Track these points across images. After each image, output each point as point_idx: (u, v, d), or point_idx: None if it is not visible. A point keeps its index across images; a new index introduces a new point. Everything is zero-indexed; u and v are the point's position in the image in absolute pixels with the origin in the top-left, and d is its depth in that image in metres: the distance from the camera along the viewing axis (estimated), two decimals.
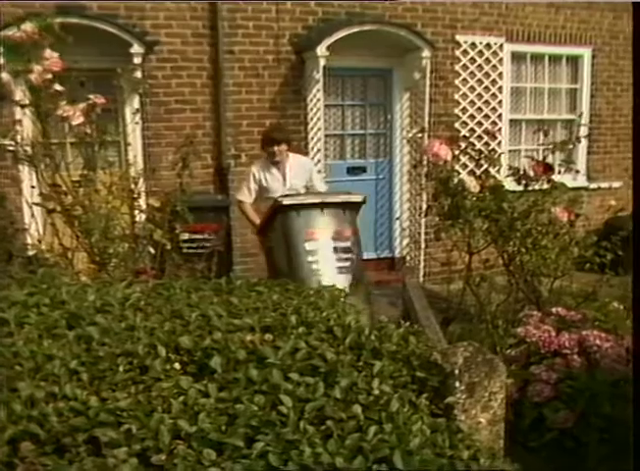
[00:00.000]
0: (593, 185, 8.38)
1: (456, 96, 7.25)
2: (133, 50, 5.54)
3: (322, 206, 4.60)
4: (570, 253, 5.95)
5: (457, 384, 1.21)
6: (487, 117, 7.46)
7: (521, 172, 4.81)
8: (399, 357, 1.28)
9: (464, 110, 7.30)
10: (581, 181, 8.35)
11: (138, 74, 5.59)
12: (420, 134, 6.45)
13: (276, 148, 4.98)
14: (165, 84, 6.03)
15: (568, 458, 3.22)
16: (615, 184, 8.31)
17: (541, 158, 6.07)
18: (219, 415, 1.09)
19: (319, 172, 5.95)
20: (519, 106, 8.01)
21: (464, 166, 5.43)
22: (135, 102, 5.79)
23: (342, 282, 4.17)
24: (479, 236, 4.98)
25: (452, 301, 5.56)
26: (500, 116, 7.60)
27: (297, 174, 5.15)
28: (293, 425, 1.07)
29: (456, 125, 7.22)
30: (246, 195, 5.07)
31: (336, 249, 4.59)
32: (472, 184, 4.70)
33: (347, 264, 4.62)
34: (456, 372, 1.21)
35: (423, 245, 7.08)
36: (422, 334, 1.46)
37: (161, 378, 1.21)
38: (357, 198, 4.91)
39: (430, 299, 5.45)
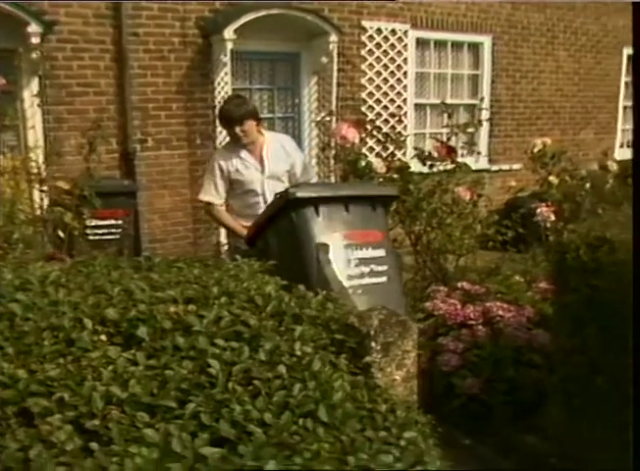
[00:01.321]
0: (494, 167, 8.76)
1: (363, 81, 7.40)
2: (30, 29, 5.26)
3: (347, 201, 3.46)
4: (474, 231, 6.23)
5: (373, 344, 1.29)
6: (393, 101, 7.65)
7: (426, 153, 4.99)
8: (318, 322, 1.36)
9: (371, 94, 7.46)
10: (483, 163, 8.72)
11: (37, 54, 5.37)
12: (328, 118, 6.55)
13: (238, 129, 3.83)
14: (66, 66, 5.81)
15: (476, 422, 3.42)
16: (516, 166, 8.69)
17: (445, 140, 6.32)
18: (149, 381, 1.12)
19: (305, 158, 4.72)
20: (424, 91, 8.25)
21: (371, 149, 5.56)
22: (35, 84, 5.57)
23: (367, 304, 2.94)
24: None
25: None
26: (405, 100, 7.81)
27: (277, 157, 4.00)
28: (222, 386, 1.12)
29: (363, 108, 7.38)
30: (213, 195, 3.92)
31: (362, 261, 3.44)
32: (379, 166, 4.84)
33: (380, 280, 3.45)
34: (372, 333, 1.29)
35: None
36: (339, 301, 1.54)
37: (89, 349, 1.23)
38: (391, 191, 3.97)
39: None
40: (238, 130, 3.83)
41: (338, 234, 3.37)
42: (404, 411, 1.28)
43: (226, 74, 6.37)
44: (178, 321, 1.28)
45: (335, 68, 6.99)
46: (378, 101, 7.52)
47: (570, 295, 2.67)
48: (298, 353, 1.24)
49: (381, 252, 3.52)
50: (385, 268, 3.49)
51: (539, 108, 9.38)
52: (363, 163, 4.80)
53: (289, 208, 3.33)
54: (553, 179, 6.94)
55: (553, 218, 5.15)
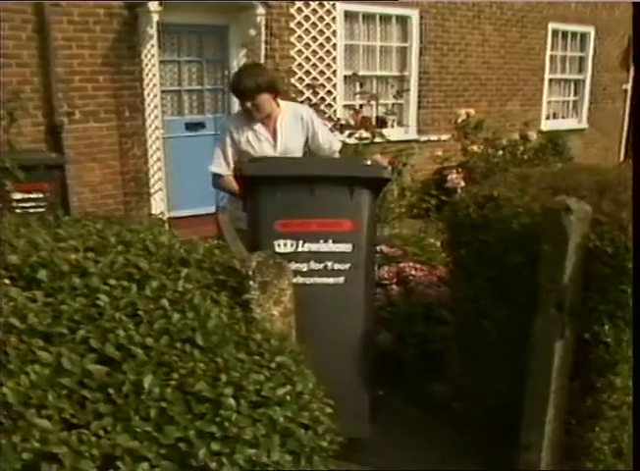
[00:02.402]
0: (423, 138, 9.01)
1: (292, 53, 7.51)
2: None
3: (314, 182, 3.02)
4: (400, 199, 6.50)
5: (252, 283, 1.48)
6: (322, 73, 7.79)
7: (342, 122, 5.16)
8: (204, 266, 1.53)
9: (300, 66, 7.58)
10: (412, 134, 8.98)
11: None
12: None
13: (249, 103, 3.43)
14: None
15: (389, 376, 3.67)
16: (444, 137, 8.97)
17: (365, 111, 6.52)
18: (46, 314, 1.28)
19: (327, 127, 4.14)
20: (353, 63, 8.41)
21: None
22: None
23: (308, 308, 2.61)
24: None
25: None
26: (335, 72, 7.96)
27: (293, 130, 3.60)
28: (109, 316, 1.28)
29: (293, 80, 7.50)
30: (222, 165, 3.53)
31: (313, 256, 3.02)
32: None
33: (334, 281, 3.03)
34: (251, 273, 1.48)
35: None
36: (227, 248, 1.72)
37: None
38: (377, 173, 3.27)
39: None
40: (249, 104, 3.43)
41: (293, 220, 3.02)
42: (279, 341, 1.48)
43: (152, 46, 6.38)
44: (76, 266, 1.43)
45: (263, 40, 7.08)
46: (307, 73, 7.65)
47: (462, 250, 2.92)
48: (181, 289, 1.41)
49: (345, 247, 3.04)
50: (345, 267, 3.04)
51: (466, 80, 9.66)
52: None
53: (247, 185, 3.14)
54: (475, 148, 7.28)
55: (463, 184, 5.42)
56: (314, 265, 3.03)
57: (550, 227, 2.46)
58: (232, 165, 3.52)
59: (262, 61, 7.04)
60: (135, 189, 6.77)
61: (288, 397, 1.40)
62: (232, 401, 1.28)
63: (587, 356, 2.56)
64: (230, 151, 3.54)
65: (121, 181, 6.64)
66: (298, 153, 3.65)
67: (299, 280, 2.91)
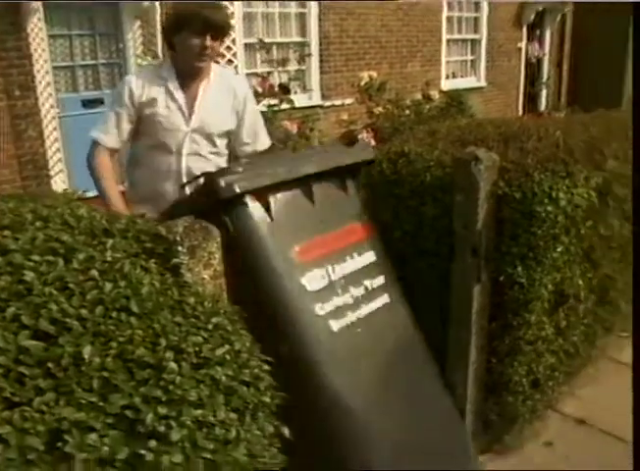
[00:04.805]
0: (327, 103, 9.06)
1: None
2: None
3: (310, 183, 2.27)
4: None
5: (180, 248, 1.47)
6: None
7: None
8: (129, 235, 1.50)
9: None
10: (316, 99, 9.01)
11: None
12: (155, 62, 6.47)
13: (209, 42, 2.59)
14: None
15: None
16: (348, 101, 9.03)
17: (272, 79, 6.50)
18: None
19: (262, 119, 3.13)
20: (252, 31, 8.30)
21: None
22: None
23: (371, 346, 2.26)
24: None
25: None
26: (234, 40, 7.84)
27: (219, 106, 2.78)
28: (39, 292, 1.25)
29: None
30: (109, 133, 2.70)
31: (350, 279, 2.28)
32: None
33: (382, 301, 2.38)
34: (178, 238, 1.47)
35: None
36: (149, 217, 1.70)
37: None
38: (370, 154, 2.66)
39: None
40: (209, 41, 2.58)
41: (311, 241, 2.20)
42: (212, 303, 1.49)
43: (39, 19, 6.07)
44: None
45: (157, 11, 6.87)
46: None
47: (379, 204, 2.99)
48: (110, 259, 1.39)
49: (370, 256, 2.41)
50: (381, 280, 2.41)
51: (366, 43, 9.74)
52: None
53: (220, 211, 2.01)
54: (380, 109, 7.40)
55: (373, 142, 5.52)
56: (355, 291, 2.28)
57: (461, 177, 2.56)
58: (124, 136, 2.73)
59: (159, 31, 6.84)
60: (34, 173, 6.47)
61: (227, 357, 1.42)
62: (173, 365, 1.29)
63: (503, 298, 2.70)
64: (125, 117, 2.69)
65: (17, 164, 6.32)
66: (219, 139, 2.84)
67: (351, 318, 2.21)
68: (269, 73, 5.68)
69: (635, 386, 2.02)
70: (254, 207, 2.08)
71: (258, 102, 5.16)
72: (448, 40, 11.30)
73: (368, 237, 2.47)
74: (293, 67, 8.34)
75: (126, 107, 2.70)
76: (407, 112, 7.22)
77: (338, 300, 2.19)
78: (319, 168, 2.30)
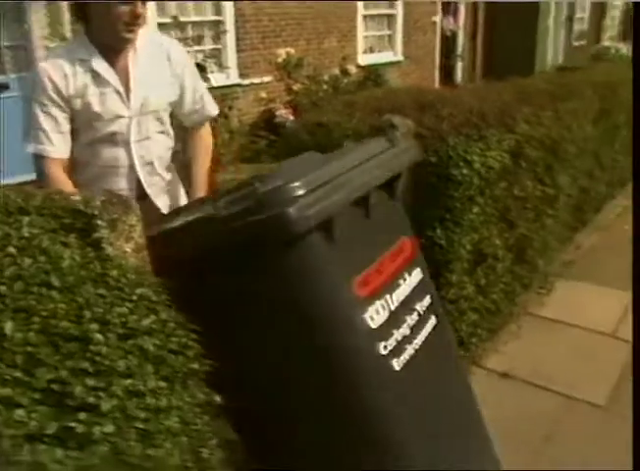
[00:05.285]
0: (246, 81, 8.96)
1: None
2: None
3: (367, 198, 1.84)
4: (230, 144, 6.49)
5: (100, 222, 1.46)
6: None
7: None
8: (45, 212, 1.48)
9: None
10: (234, 78, 8.91)
11: None
12: (63, 44, 6.24)
13: (141, 9, 2.18)
14: None
15: None
16: (266, 79, 8.99)
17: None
18: None
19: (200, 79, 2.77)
20: (165, 10, 8.11)
21: None
22: None
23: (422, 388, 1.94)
24: None
25: None
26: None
27: (156, 76, 2.39)
28: None
29: None
30: (55, 141, 2.26)
31: (406, 305, 1.95)
32: None
33: (432, 323, 2.06)
34: (96, 212, 1.46)
35: None
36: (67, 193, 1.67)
37: None
38: (416, 155, 2.23)
39: None
40: (140, 8, 2.17)
41: (370, 270, 1.84)
42: (136, 274, 1.49)
43: None
44: None
45: None
46: None
47: None
48: (27, 235, 1.37)
49: (418, 273, 2.07)
50: (428, 300, 2.08)
51: (282, 20, 9.68)
52: None
53: (280, 247, 1.65)
54: (298, 85, 7.41)
55: (292, 117, 5.54)
56: (410, 319, 1.95)
57: None
58: (67, 138, 2.29)
59: (66, 12, 6.59)
60: None
61: (154, 326, 1.42)
62: (99, 336, 1.29)
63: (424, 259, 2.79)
64: (61, 116, 2.25)
65: None
66: (164, 115, 2.48)
67: (410, 352, 1.88)
68: (187, 52, 5.56)
69: (635, 386, 2.07)
70: (317, 236, 1.67)
71: None
72: (364, 16, 11.37)
73: (416, 253, 2.13)
74: (208, 46, 8.24)
75: (56, 104, 2.24)
76: (325, 87, 7.26)
77: (397, 334, 1.86)
78: (381, 178, 1.91)
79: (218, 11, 8.73)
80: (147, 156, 2.45)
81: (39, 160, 2.28)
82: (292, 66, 7.29)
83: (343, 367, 1.74)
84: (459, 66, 14.14)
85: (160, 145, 2.51)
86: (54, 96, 2.23)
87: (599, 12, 18.27)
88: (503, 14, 13.95)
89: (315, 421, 1.81)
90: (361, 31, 11.35)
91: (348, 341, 1.74)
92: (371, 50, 11.78)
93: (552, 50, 15.54)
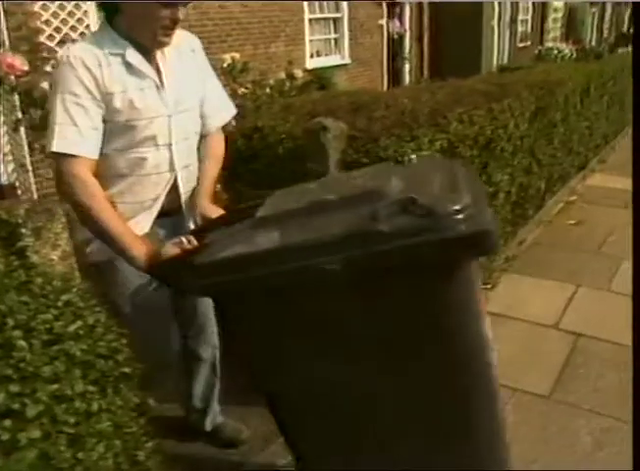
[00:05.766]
0: None
1: (36, 8, 6.94)
2: None
3: None
4: None
5: (24, 230, 1.47)
6: (74, 28, 7.33)
7: None
8: None
9: (48, 22, 7.04)
10: None
11: None
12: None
13: (182, 15, 2.01)
14: None
15: None
16: None
17: None
18: None
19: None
20: None
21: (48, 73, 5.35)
22: None
23: None
24: None
25: None
26: (88, 26, 7.54)
27: (186, 72, 2.21)
28: None
29: (42, 38, 6.91)
30: (89, 139, 1.93)
31: None
32: None
33: None
34: (20, 221, 1.47)
35: (31, 168, 5.91)
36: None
37: None
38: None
39: None
40: (181, 14, 2.01)
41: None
42: (62, 281, 1.51)
43: None
44: None
45: None
46: (58, 30, 7.16)
47: (237, 183, 3.05)
48: None
49: None
50: None
51: (227, 25, 9.67)
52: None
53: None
54: (243, 90, 7.41)
55: (234, 123, 5.54)
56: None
57: (311, 147, 2.67)
58: (99, 139, 1.96)
59: (2, 18, 6.45)
60: None
61: (80, 332, 1.44)
62: (22, 343, 1.30)
63: None
64: (98, 112, 1.94)
65: None
66: (195, 111, 2.25)
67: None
68: None
69: (635, 387, 2.08)
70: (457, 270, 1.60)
71: None
72: (310, 19, 11.44)
73: None
74: None
75: (92, 96, 1.92)
76: (270, 91, 7.29)
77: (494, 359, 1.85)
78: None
79: None
80: (186, 161, 2.22)
81: (62, 162, 1.88)
82: (237, 71, 7.29)
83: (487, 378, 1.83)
84: (407, 68, 14.33)
85: (194, 149, 2.29)
86: (90, 86, 1.92)
87: (541, 14, 18.75)
88: (447, 16, 14.20)
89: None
90: (308, 35, 11.41)
91: (479, 354, 1.80)
92: (318, 54, 11.85)
93: (497, 51, 15.90)
